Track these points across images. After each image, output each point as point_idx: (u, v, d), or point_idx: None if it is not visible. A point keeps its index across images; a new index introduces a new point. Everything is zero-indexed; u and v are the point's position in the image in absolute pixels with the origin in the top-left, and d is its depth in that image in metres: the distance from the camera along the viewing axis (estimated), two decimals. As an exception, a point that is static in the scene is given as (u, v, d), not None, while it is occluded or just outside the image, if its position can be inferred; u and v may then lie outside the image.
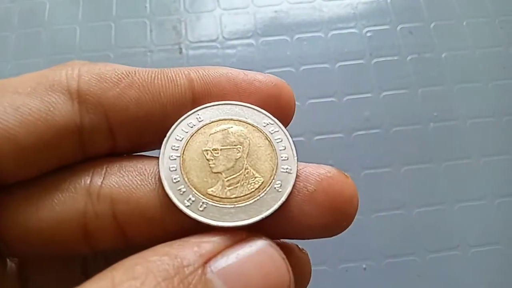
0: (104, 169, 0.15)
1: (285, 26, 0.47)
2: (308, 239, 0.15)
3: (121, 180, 0.14)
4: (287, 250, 0.15)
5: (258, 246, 0.13)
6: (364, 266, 0.38)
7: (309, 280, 0.16)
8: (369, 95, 0.44)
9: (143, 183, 0.14)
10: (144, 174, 0.14)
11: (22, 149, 0.13)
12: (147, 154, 0.16)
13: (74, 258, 0.17)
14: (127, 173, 0.14)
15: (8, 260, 0.16)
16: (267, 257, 0.13)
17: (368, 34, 0.46)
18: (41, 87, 0.14)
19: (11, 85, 0.13)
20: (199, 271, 0.11)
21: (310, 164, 0.15)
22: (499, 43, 0.46)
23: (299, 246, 0.16)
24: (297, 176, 0.14)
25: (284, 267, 0.13)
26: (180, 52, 0.46)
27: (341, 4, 0.48)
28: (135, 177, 0.14)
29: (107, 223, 0.14)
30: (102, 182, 0.14)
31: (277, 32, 0.46)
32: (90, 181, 0.14)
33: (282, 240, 0.16)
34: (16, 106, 0.13)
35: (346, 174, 0.15)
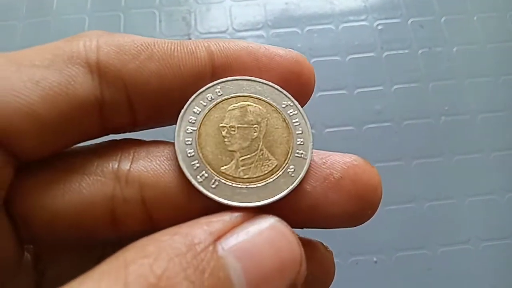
0: (132, 153, 0.14)
1: (296, 18, 0.46)
2: (332, 228, 0.15)
3: (149, 165, 0.14)
4: (311, 247, 0.15)
5: (268, 222, 0.13)
6: (374, 259, 0.38)
7: (333, 278, 0.16)
8: (380, 88, 0.43)
9: (171, 168, 0.14)
10: (172, 159, 0.14)
11: (44, 124, 0.12)
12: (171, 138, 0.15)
13: (91, 250, 0.17)
14: (155, 157, 0.14)
15: (25, 251, 0.15)
16: (278, 233, 0.12)
17: (379, 27, 0.46)
18: (59, 59, 0.13)
19: (26, 58, 0.13)
20: (210, 248, 0.11)
21: (336, 152, 0.15)
22: (510, 38, 0.46)
23: (324, 244, 0.16)
24: (312, 165, 0.14)
25: (295, 242, 0.13)
26: (190, 43, 0.45)
27: (352, -3, 0.48)
28: (163, 162, 0.14)
29: (135, 207, 0.14)
30: (130, 166, 0.14)
31: (288, 24, 0.46)
32: (118, 165, 0.14)
33: (306, 237, 0.16)
34: (35, 81, 0.12)
35: (371, 163, 0.15)
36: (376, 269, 0.38)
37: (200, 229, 0.12)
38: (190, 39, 0.45)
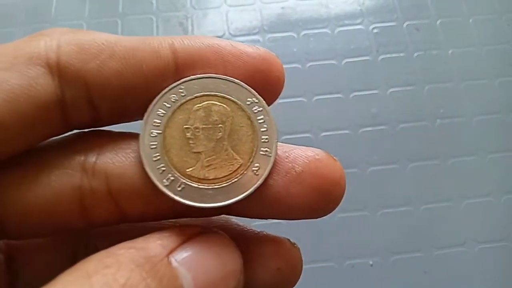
0: (98, 146, 0.15)
1: (292, 22, 0.47)
2: (294, 219, 0.15)
3: (115, 157, 0.14)
4: (277, 243, 0.16)
5: (214, 236, 0.14)
6: (370, 262, 0.38)
7: (300, 275, 0.16)
8: (375, 91, 0.44)
9: (136, 160, 0.14)
10: (137, 151, 0.14)
11: (6, 127, 0.13)
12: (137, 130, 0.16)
13: (64, 251, 0.18)
14: (120, 150, 0.15)
15: None
16: (221, 246, 0.13)
17: (375, 31, 0.46)
18: (19, 60, 0.13)
19: None
20: (165, 260, 0.12)
21: (299, 146, 0.15)
22: (506, 40, 0.46)
23: (291, 240, 0.16)
24: (278, 161, 0.15)
25: (237, 253, 0.14)
26: (187, 48, 0.46)
27: (348, 1, 0.48)
28: (129, 154, 0.14)
29: (102, 198, 0.14)
30: (96, 159, 0.14)
31: (284, 28, 0.46)
32: (85, 158, 0.14)
33: (274, 235, 0.16)
34: None
35: (334, 157, 0.15)
36: (372, 272, 0.38)
37: (154, 243, 0.12)
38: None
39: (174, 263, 0.12)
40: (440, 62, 0.45)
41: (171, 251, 0.13)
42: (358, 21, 0.47)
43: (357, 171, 0.41)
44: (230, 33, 0.46)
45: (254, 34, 0.46)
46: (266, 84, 0.15)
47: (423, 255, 0.38)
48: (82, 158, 0.14)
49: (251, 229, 0.16)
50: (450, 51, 0.46)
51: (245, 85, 0.15)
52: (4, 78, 0.13)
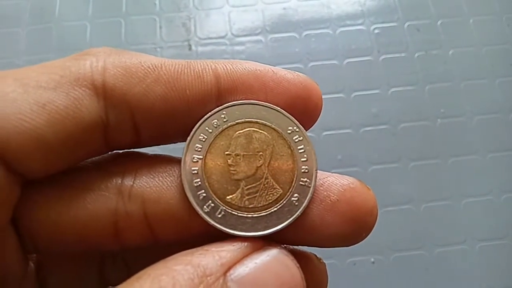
0: (135, 169, 0.15)
1: (294, 23, 0.47)
2: (327, 247, 0.15)
3: (152, 181, 0.14)
4: (305, 259, 0.16)
5: (274, 254, 0.13)
6: (372, 260, 0.39)
7: None
8: (377, 91, 0.44)
9: (173, 184, 0.14)
10: (174, 176, 0.15)
11: (49, 147, 0.13)
12: (174, 154, 0.16)
13: (91, 261, 0.18)
14: (157, 173, 0.15)
15: (29, 261, 0.16)
16: (282, 266, 0.13)
17: (376, 31, 0.47)
18: (65, 80, 0.13)
19: (33, 78, 0.13)
20: (221, 280, 0.12)
21: (333, 174, 0.15)
22: (506, 41, 0.47)
23: (317, 256, 0.16)
24: (315, 190, 0.14)
25: (298, 275, 0.13)
26: (190, 49, 0.46)
27: (349, 1, 0.48)
28: (165, 178, 0.15)
29: (137, 222, 0.14)
30: (133, 182, 0.14)
31: (286, 29, 0.47)
32: (122, 181, 0.14)
33: (301, 248, 0.16)
34: (42, 104, 0.12)
35: (367, 186, 0.15)
36: (373, 269, 0.38)
37: (212, 259, 0.12)
38: (190, 45, 0.46)
39: (230, 283, 0.12)
40: (441, 62, 0.46)
41: (229, 268, 0.12)
42: (360, 21, 0.47)
43: (359, 170, 0.41)
44: (232, 34, 0.47)
45: (256, 34, 0.47)
46: (306, 110, 0.15)
47: (424, 253, 0.39)
48: (119, 181, 0.14)
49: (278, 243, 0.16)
50: (450, 52, 0.46)
51: (286, 113, 0.15)
52: (51, 99, 0.13)
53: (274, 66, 0.16)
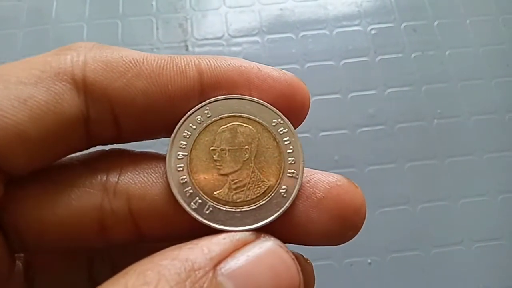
0: (120, 166, 0.15)
1: (290, 23, 0.47)
2: (313, 245, 0.15)
3: (137, 177, 0.14)
4: None
5: (268, 246, 0.13)
6: (369, 261, 0.39)
7: None
8: (373, 92, 0.44)
9: (158, 181, 0.14)
10: (159, 172, 0.15)
11: (32, 142, 0.13)
12: (160, 150, 0.16)
13: (80, 260, 0.18)
14: (142, 170, 0.15)
15: (16, 260, 0.16)
16: (277, 258, 0.13)
17: (373, 32, 0.47)
18: (46, 75, 0.13)
19: (13, 73, 0.13)
20: (210, 274, 0.11)
21: (320, 171, 0.15)
22: (502, 41, 0.47)
23: (304, 256, 0.16)
24: (302, 181, 0.14)
25: (294, 268, 0.13)
26: (186, 49, 0.46)
27: (346, 2, 0.48)
28: (151, 174, 0.14)
29: (123, 218, 0.14)
30: (118, 179, 0.14)
31: (283, 29, 0.47)
32: (107, 178, 0.14)
33: (287, 246, 0.16)
34: (23, 99, 0.12)
35: (355, 184, 0.15)
36: (370, 270, 0.38)
37: (200, 253, 0.12)
38: (186, 45, 0.46)
39: (220, 277, 0.11)
40: (437, 62, 0.46)
41: (219, 262, 0.12)
42: (356, 22, 0.47)
43: (355, 171, 0.41)
44: (229, 34, 0.47)
45: (253, 35, 0.47)
46: (291, 108, 0.15)
47: (421, 253, 0.39)
48: (104, 177, 0.14)
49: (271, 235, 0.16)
50: (447, 52, 0.46)
51: (270, 106, 0.15)
52: (31, 94, 0.13)
53: (271, 67, 0.16)
